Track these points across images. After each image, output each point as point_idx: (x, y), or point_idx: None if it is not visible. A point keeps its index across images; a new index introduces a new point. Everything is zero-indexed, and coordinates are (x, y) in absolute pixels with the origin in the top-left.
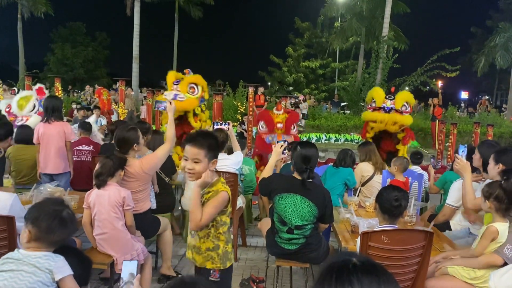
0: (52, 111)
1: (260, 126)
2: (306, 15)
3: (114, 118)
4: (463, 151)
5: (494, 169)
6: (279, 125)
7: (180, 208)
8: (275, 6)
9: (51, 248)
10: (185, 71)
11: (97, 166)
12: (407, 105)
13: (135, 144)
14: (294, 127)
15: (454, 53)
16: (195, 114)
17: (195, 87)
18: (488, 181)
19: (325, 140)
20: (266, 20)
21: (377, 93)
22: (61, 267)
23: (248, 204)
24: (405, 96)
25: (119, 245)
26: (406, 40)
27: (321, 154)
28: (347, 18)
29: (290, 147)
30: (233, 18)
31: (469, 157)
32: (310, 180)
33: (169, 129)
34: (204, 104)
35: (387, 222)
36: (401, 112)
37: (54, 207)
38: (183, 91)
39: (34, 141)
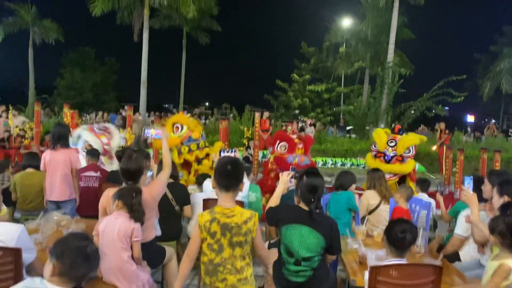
0: (58, 138)
1: (279, 147)
2: (311, 41)
3: (121, 143)
4: (468, 183)
5: (499, 202)
6: (299, 145)
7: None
8: (281, 33)
9: (74, 283)
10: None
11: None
12: (411, 149)
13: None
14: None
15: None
16: (180, 153)
17: (179, 126)
18: None
19: (331, 164)
20: (272, 45)
21: (379, 137)
22: None
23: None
24: (409, 141)
25: (125, 276)
26: (411, 65)
27: (327, 178)
28: (352, 44)
29: (296, 176)
30: (240, 43)
31: (476, 188)
32: (317, 210)
33: (166, 156)
34: (197, 144)
35: (394, 255)
36: (402, 159)
37: (78, 243)
38: (168, 130)
39: (41, 168)
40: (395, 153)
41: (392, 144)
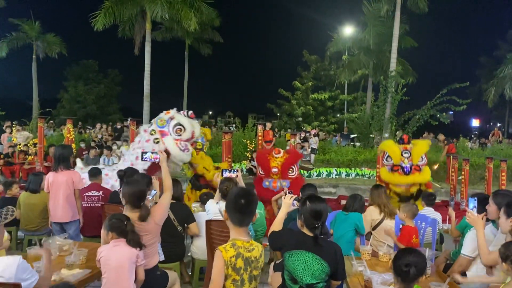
0: (58, 160)
1: (260, 169)
2: (314, 50)
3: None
4: (474, 206)
5: (507, 223)
6: (274, 170)
7: (189, 254)
8: (283, 42)
9: None
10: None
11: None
12: (423, 157)
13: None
14: (293, 170)
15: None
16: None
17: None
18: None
19: (335, 175)
20: (274, 55)
21: (392, 150)
22: None
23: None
24: (421, 150)
25: None
26: (414, 73)
27: (332, 190)
28: (355, 53)
29: (300, 198)
30: (242, 53)
31: (481, 207)
32: (322, 236)
33: (167, 179)
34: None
35: (401, 285)
36: (419, 168)
37: None
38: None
39: (45, 189)
40: (411, 163)
41: (407, 155)
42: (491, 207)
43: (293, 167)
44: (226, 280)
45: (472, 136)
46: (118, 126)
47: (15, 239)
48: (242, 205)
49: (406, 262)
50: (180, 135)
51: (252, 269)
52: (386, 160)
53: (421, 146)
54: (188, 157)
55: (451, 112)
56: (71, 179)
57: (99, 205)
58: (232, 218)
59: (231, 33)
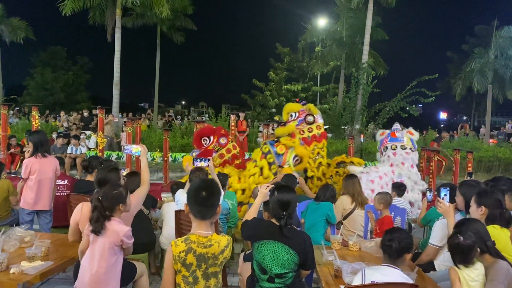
0: (41, 145)
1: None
2: (287, 40)
3: (91, 146)
4: (445, 194)
5: (477, 212)
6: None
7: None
8: (257, 32)
9: None
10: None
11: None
12: (293, 115)
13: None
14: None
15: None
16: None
17: (206, 139)
18: None
19: None
20: (248, 45)
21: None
22: None
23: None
24: (287, 108)
25: None
26: (385, 65)
27: None
28: (327, 44)
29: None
30: (216, 42)
31: (452, 198)
32: (289, 226)
33: (145, 173)
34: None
35: (388, 261)
36: (284, 123)
37: None
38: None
39: (24, 175)
40: (282, 121)
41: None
42: (458, 197)
43: (206, 138)
44: (177, 275)
45: (447, 130)
46: (85, 115)
47: None
48: (203, 198)
49: (390, 238)
50: None
51: (209, 266)
52: None
53: (289, 105)
54: None
55: (420, 105)
56: (55, 166)
57: (64, 193)
58: (193, 211)
59: (205, 21)
